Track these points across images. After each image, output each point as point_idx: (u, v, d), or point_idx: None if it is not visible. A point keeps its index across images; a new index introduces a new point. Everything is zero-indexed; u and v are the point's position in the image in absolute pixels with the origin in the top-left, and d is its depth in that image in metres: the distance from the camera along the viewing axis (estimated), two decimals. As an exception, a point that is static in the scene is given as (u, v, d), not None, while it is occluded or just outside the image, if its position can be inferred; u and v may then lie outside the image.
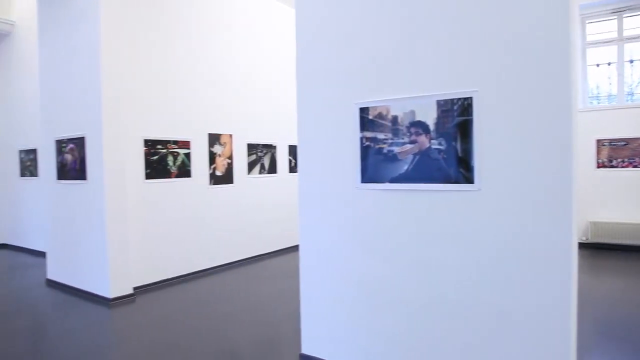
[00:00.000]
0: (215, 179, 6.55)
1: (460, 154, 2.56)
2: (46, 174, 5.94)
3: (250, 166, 7.20)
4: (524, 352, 2.42)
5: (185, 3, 6.19)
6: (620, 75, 7.64)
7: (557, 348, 2.32)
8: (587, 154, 7.43)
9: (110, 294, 4.99)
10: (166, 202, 5.86)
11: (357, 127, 2.96)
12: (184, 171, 6.08)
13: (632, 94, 7.75)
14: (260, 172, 7.39)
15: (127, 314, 4.69)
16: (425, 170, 2.69)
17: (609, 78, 7.85)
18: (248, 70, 7.17)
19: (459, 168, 2.57)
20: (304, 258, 3.34)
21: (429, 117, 2.66)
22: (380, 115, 2.86)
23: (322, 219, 3.21)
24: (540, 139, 2.33)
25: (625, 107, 7.38)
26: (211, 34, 6.54)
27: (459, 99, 2.55)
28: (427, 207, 2.72)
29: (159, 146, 5.76)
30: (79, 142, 5.26)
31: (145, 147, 5.61)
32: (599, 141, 7.41)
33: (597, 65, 7.85)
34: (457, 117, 2.56)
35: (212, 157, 6.51)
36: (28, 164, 8.29)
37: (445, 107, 2.60)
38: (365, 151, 2.93)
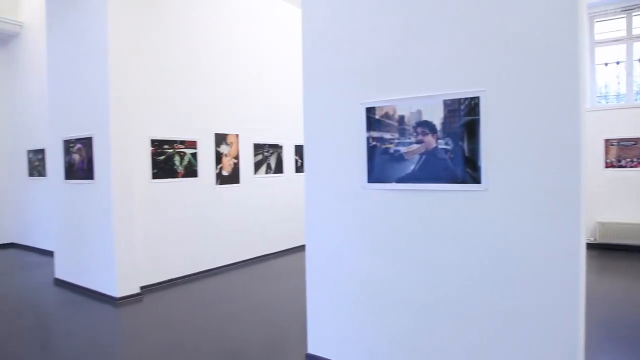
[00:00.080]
0: (221, 179, 6.56)
1: (467, 154, 2.55)
2: (54, 174, 5.98)
3: (257, 166, 7.21)
4: (531, 353, 2.40)
5: (192, 3, 6.20)
6: (629, 74, 7.57)
7: (565, 349, 2.31)
8: (595, 153, 7.37)
9: (117, 294, 5.01)
10: (173, 202, 5.88)
11: (363, 127, 2.96)
12: (191, 171, 6.10)
13: (641, 93, 7.70)
14: (266, 172, 7.40)
15: (134, 314, 4.71)
16: (432, 170, 2.68)
17: (618, 77, 7.79)
18: (254, 70, 7.18)
19: (466, 168, 2.56)
20: (310, 258, 3.34)
21: (436, 116, 2.65)
22: (386, 115, 2.85)
23: (328, 219, 3.20)
24: (548, 138, 2.31)
25: (634, 107, 7.31)
26: (217, 34, 6.56)
27: (466, 98, 2.54)
28: (433, 207, 2.71)
29: (166, 146, 5.78)
30: (87, 142, 5.29)
31: (152, 147, 5.63)
32: (607, 141, 7.34)
33: (606, 64, 7.79)
34: (464, 117, 2.55)
35: (219, 157, 6.52)
36: (36, 164, 8.36)
37: (452, 107, 2.59)
38: (371, 151, 2.92)
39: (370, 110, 2.92)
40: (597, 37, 7.79)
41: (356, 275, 3.07)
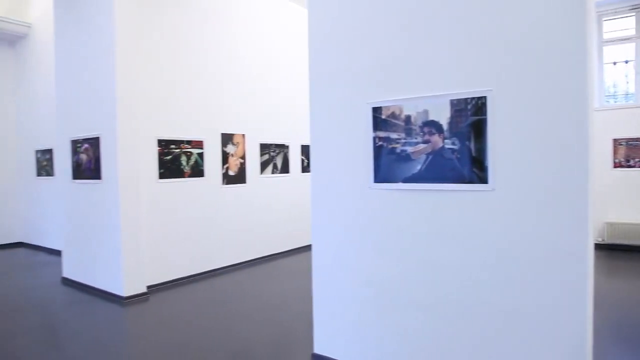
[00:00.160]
0: (228, 179, 6.58)
1: (474, 154, 2.54)
2: (62, 174, 6.02)
3: (263, 166, 7.23)
4: (538, 353, 2.39)
5: (199, 4, 6.22)
6: (638, 73, 7.50)
7: (573, 349, 2.29)
8: (603, 153, 7.30)
9: (124, 293, 5.04)
10: (179, 202, 5.90)
11: (369, 127, 2.95)
12: (197, 171, 6.12)
13: (650, 92, 7.62)
14: (272, 172, 7.41)
15: (140, 313, 4.73)
16: (439, 170, 2.67)
17: (626, 76, 7.72)
18: (261, 70, 7.19)
19: (473, 168, 2.55)
20: (316, 258, 3.34)
21: (443, 116, 2.64)
22: (393, 115, 2.84)
23: (334, 218, 3.20)
24: (556, 138, 2.29)
25: (643, 106, 7.25)
26: (224, 34, 6.57)
27: (473, 98, 2.53)
28: (440, 207, 2.70)
29: (173, 146, 5.80)
30: (94, 142, 5.32)
31: (159, 147, 5.65)
32: (615, 140, 7.28)
33: (614, 63, 7.73)
34: (471, 117, 2.54)
35: (225, 157, 6.54)
36: (44, 164, 8.42)
37: (459, 107, 2.58)
38: (378, 151, 2.92)
39: (376, 110, 2.92)
40: (606, 36, 7.73)
41: (362, 275, 3.07)
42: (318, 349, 3.34)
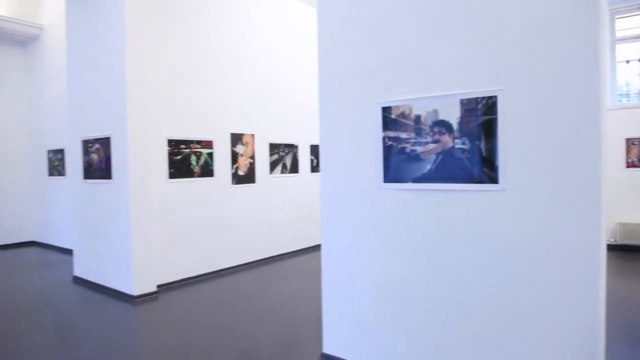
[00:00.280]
0: (237, 179, 6.60)
1: (484, 154, 2.52)
2: (73, 174, 6.09)
3: (272, 166, 7.24)
4: (548, 354, 2.37)
5: (208, 4, 6.25)
6: (651, 72, 7.41)
7: (586, 350, 2.27)
8: (616, 153, 7.21)
9: (135, 292, 5.08)
10: (189, 202, 5.93)
11: (379, 127, 2.95)
12: (207, 171, 6.14)
13: (663, 91, 7.52)
14: (282, 172, 7.42)
15: (150, 312, 4.77)
16: (449, 170, 2.65)
17: (639, 75, 7.62)
18: (270, 70, 7.20)
19: (483, 168, 2.53)
20: (326, 258, 3.34)
21: (453, 116, 2.63)
22: (402, 115, 2.83)
23: (343, 218, 3.20)
24: (568, 138, 2.27)
25: (657, 105, 7.15)
26: (233, 34, 6.59)
27: (483, 97, 2.51)
28: (450, 207, 2.69)
29: (183, 146, 5.83)
30: (105, 142, 5.37)
31: (169, 146, 5.69)
32: (628, 140, 7.19)
33: (627, 61, 7.63)
34: (481, 116, 2.52)
35: (235, 157, 6.56)
36: (56, 164, 8.51)
37: (469, 106, 2.56)
38: (387, 151, 2.91)
39: (386, 110, 2.91)
40: (618, 34, 7.64)
41: (371, 275, 3.06)
42: (327, 349, 3.33)
